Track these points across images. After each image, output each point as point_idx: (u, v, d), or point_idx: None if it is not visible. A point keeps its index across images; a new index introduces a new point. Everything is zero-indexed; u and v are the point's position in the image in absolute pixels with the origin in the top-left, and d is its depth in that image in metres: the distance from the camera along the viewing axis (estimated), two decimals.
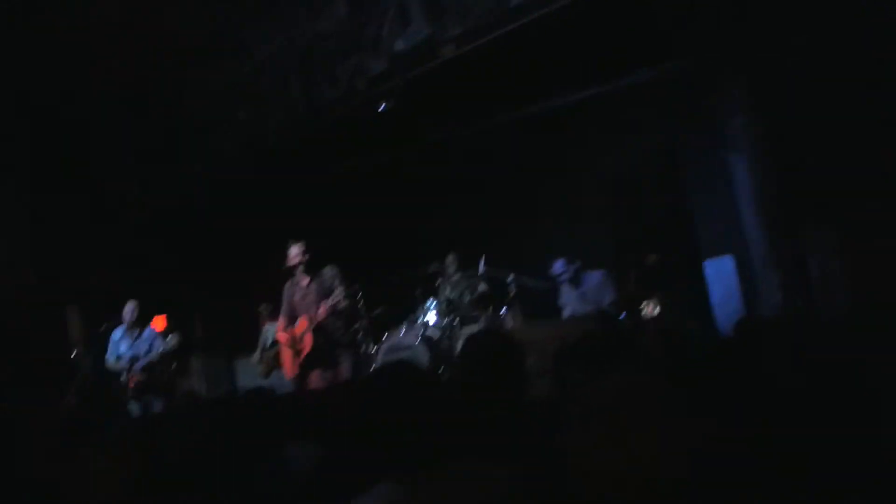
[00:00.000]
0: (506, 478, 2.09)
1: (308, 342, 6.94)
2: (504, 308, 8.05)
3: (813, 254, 6.27)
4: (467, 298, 8.35)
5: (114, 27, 8.01)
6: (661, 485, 1.50)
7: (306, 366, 6.97)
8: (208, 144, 8.98)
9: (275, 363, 8.30)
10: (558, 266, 7.75)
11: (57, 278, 8.81)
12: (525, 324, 7.68)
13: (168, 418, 3.85)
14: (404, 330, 8.17)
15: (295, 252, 7.02)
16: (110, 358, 7.80)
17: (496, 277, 8.09)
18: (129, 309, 7.78)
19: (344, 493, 2.19)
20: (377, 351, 8.04)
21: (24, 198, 8.93)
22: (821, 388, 2.48)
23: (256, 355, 9.03)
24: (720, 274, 7.83)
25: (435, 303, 8.23)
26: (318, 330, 6.93)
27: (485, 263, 8.08)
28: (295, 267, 7.04)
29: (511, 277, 7.93)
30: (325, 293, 6.97)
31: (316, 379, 6.93)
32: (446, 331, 8.02)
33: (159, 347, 7.64)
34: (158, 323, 8.34)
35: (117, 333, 7.83)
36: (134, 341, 7.75)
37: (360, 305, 7.79)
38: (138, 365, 7.63)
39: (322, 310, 6.88)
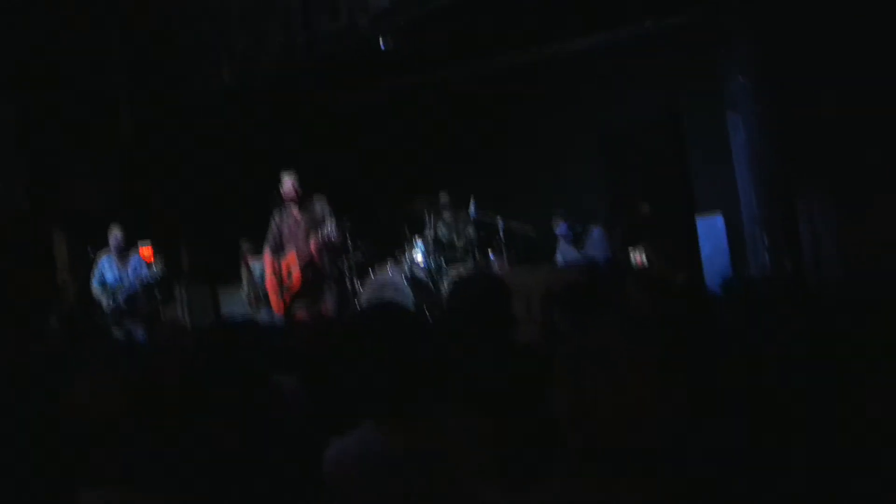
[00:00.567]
0: (484, 424, 2.10)
1: (296, 278, 6.92)
2: (492, 252, 8.05)
3: (805, 217, 6.27)
4: (456, 240, 8.35)
5: None
6: (644, 430, 1.50)
7: (294, 300, 6.96)
8: (204, 72, 8.84)
9: (265, 298, 8.29)
10: (562, 228, 7.76)
11: (44, 203, 8.73)
12: (513, 269, 7.69)
13: (153, 347, 3.85)
14: (390, 267, 8.16)
15: (288, 182, 6.95)
16: (96, 284, 7.78)
17: (486, 221, 8.08)
18: (116, 236, 7.73)
19: (324, 431, 2.19)
20: (363, 286, 8.04)
21: (11, 123, 8.79)
22: (803, 351, 2.49)
23: (245, 288, 9.02)
24: (710, 231, 7.86)
25: (423, 242, 8.21)
26: (309, 264, 6.90)
27: (476, 206, 8.05)
28: (287, 197, 6.97)
29: (501, 222, 7.91)
30: (316, 224, 6.91)
31: (302, 312, 6.92)
32: (433, 271, 8.02)
33: (145, 276, 7.61)
34: (145, 252, 8.31)
35: (104, 260, 7.79)
36: (120, 269, 7.72)
37: (347, 240, 7.76)
38: (123, 293, 7.61)
39: (314, 244, 6.83)
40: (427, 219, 8.49)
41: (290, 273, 6.96)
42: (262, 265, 8.13)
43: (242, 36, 8.37)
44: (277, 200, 6.98)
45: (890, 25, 5.40)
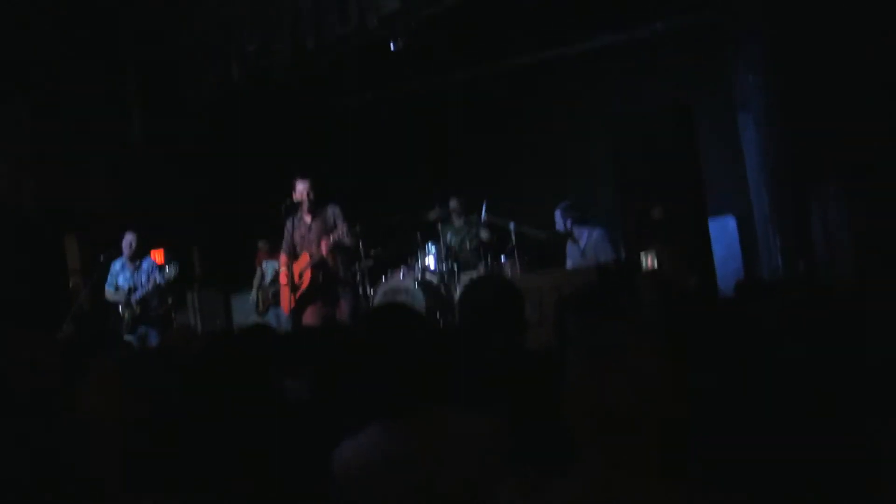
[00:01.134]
0: (496, 425, 2.09)
1: (307, 278, 6.93)
2: (504, 256, 8.04)
3: (816, 219, 6.24)
4: (468, 244, 8.34)
5: None
6: (653, 433, 1.49)
7: (303, 301, 6.97)
8: (215, 75, 8.88)
9: (273, 300, 8.31)
10: (556, 214, 7.70)
11: (57, 207, 8.78)
12: (524, 272, 7.67)
13: (165, 351, 3.85)
14: (403, 272, 8.16)
15: (300, 188, 6.97)
16: (109, 288, 7.80)
17: (498, 225, 8.06)
18: (128, 240, 7.75)
19: (335, 432, 2.19)
20: (375, 292, 8.05)
21: (25, 123, 8.84)
22: (817, 352, 2.48)
23: (254, 292, 9.05)
24: (722, 233, 7.82)
25: (435, 247, 8.22)
26: (318, 266, 6.91)
27: (487, 210, 8.04)
28: (299, 203, 6.99)
29: (512, 225, 7.89)
30: (328, 230, 6.93)
31: (312, 315, 6.93)
32: (445, 275, 8.02)
33: (157, 279, 7.62)
34: (158, 256, 8.33)
35: (117, 264, 7.81)
36: (133, 273, 7.74)
37: (359, 245, 7.77)
38: (135, 296, 7.63)
39: (324, 245, 6.85)
40: (439, 224, 8.50)
41: (300, 274, 6.97)
42: (274, 266, 8.16)
43: (254, 38, 8.40)
44: (290, 206, 6.99)
45: None
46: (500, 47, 8.10)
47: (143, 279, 7.66)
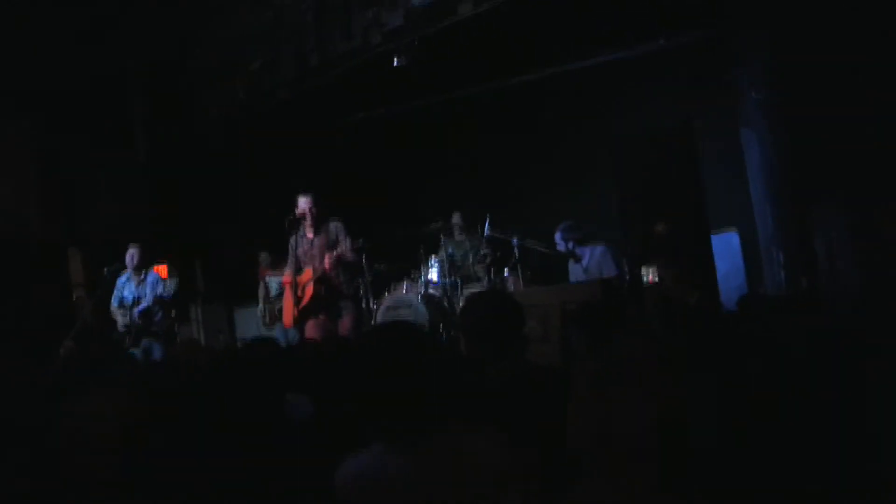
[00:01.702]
0: (499, 443, 2.09)
1: (309, 291, 6.94)
2: (507, 270, 8.04)
3: (819, 235, 6.23)
4: (470, 259, 8.35)
5: None
6: (655, 449, 1.49)
7: (305, 315, 6.97)
8: (220, 92, 8.92)
9: (280, 315, 8.33)
10: (556, 237, 7.71)
11: (60, 221, 8.80)
12: (527, 287, 7.66)
13: (169, 365, 3.85)
14: (406, 287, 8.17)
15: (302, 204, 6.98)
16: (115, 303, 7.82)
17: (500, 239, 8.07)
18: (131, 253, 7.77)
19: (337, 449, 2.19)
20: (378, 306, 8.05)
21: (31, 140, 8.88)
22: (819, 367, 2.48)
23: (260, 304, 9.05)
24: (725, 249, 7.81)
25: (438, 261, 8.22)
26: (321, 280, 6.92)
27: (490, 224, 8.05)
28: (302, 219, 7.01)
29: (515, 240, 7.90)
30: (331, 245, 6.94)
31: (314, 329, 6.93)
32: (448, 290, 8.02)
33: (160, 292, 7.63)
34: (161, 270, 8.35)
35: (122, 279, 7.83)
36: (138, 286, 7.75)
37: (363, 260, 7.77)
38: (138, 309, 7.64)
39: (327, 260, 6.86)
40: (442, 238, 8.51)
41: (303, 288, 6.98)
42: (277, 281, 8.17)
43: (258, 55, 8.45)
44: (293, 222, 7.00)
45: None
46: (503, 64, 8.12)
47: (147, 292, 7.68)
